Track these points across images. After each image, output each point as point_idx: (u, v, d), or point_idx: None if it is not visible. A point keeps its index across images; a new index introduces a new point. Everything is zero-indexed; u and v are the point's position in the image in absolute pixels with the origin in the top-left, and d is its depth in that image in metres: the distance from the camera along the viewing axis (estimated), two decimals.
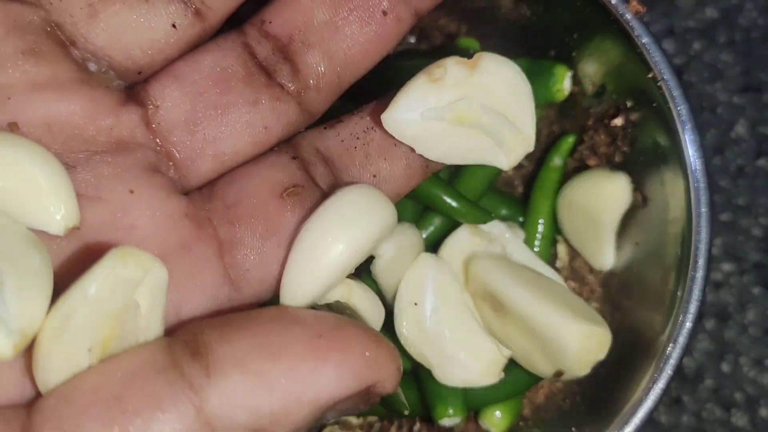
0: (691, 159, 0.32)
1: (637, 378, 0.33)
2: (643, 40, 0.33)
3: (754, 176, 0.46)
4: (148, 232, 0.25)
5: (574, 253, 0.39)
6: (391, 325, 0.36)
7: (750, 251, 0.45)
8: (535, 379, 0.37)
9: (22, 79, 0.25)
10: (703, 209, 0.32)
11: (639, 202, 0.36)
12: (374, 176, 0.29)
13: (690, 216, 0.32)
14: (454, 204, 0.36)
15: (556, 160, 0.39)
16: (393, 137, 0.29)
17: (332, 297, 0.30)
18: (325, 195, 0.28)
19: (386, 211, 0.28)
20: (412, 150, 0.29)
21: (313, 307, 0.29)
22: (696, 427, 0.45)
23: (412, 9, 0.28)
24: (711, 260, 0.32)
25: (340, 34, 0.28)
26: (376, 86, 0.30)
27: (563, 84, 0.36)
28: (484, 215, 0.36)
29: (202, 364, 0.21)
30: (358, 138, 0.29)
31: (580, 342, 0.31)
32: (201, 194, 0.28)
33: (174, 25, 0.27)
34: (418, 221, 0.37)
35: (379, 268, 0.34)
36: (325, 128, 0.30)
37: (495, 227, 0.37)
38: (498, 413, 0.38)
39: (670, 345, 0.32)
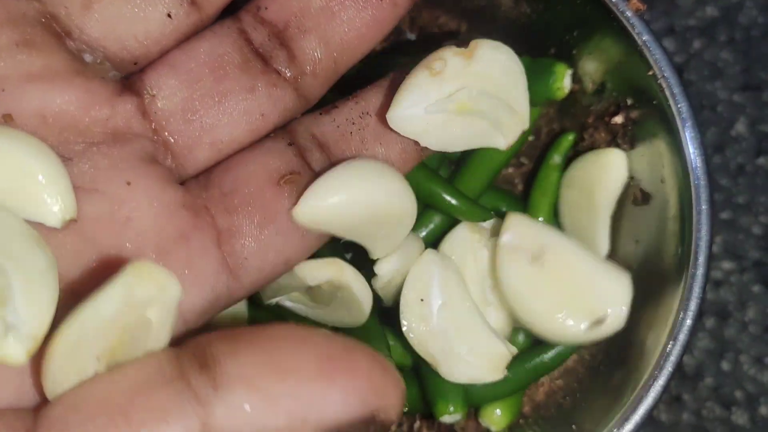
0: (692, 156, 0.32)
1: (637, 375, 0.33)
2: (644, 38, 0.33)
3: (754, 174, 0.46)
4: (146, 223, 0.25)
5: None
6: (392, 322, 0.36)
7: (750, 249, 0.45)
8: (535, 377, 0.37)
9: (17, 70, 0.25)
10: (704, 206, 0.32)
11: (639, 199, 0.36)
12: None
13: (690, 213, 0.32)
14: (454, 202, 0.36)
15: (556, 158, 0.39)
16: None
17: (323, 277, 0.31)
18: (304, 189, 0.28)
19: (395, 183, 0.29)
20: None
21: (311, 292, 0.30)
22: (696, 425, 0.45)
23: None
24: (711, 258, 0.32)
25: (336, 19, 0.28)
26: (373, 81, 0.30)
27: (563, 82, 0.36)
28: (484, 213, 0.36)
29: (210, 376, 0.21)
30: (353, 123, 0.29)
31: (625, 286, 0.33)
32: (198, 182, 0.28)
33: (169, 15, 0.27)
34: (418, 220, 0.37)
35: (379, 284, 0.34)
36: (320, 114, 0.30)
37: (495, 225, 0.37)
38: (498, 411, 0.38)
39: (671, 342, 0.32)
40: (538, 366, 0.37)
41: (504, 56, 0.30)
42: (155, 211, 0.26)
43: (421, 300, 0.33)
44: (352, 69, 0.30)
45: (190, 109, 0.27)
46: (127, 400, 0.21)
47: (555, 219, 0.39)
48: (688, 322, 0.32)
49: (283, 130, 0.29)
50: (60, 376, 0.22)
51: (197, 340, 0.22)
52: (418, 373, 0.37)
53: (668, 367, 0.32)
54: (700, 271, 0.32)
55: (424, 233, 0.37)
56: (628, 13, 0.33)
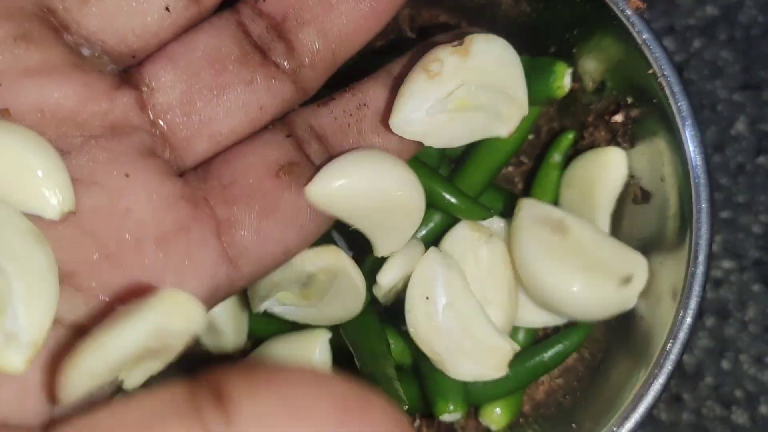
0: (692, 155, 0.32)
1: (637, 374, 0.33)
2: (644, 36, 0.33)
3: (754, 174, 0.46)
4: (145, 214, 0.25)
5: None
6: (392, 321, 0.37)
7: (750, 248, 0.45)
8: (535, 375, 0.38)
9: (14, 64, 0.25)
10: (704, 205, 0.32)
11: (639, 198, 0.36)
12: None
13: (690, 212, 0.32)
14: (453, 201, 0.36)
15: (556, 157, 0.39)
16: (385, 112, 0.29)
17: (321, 263, 0.31)
18: (304, 181, 0.28)
19: (408, 176, 0.29)
20: None
21: (303, 289, 0.29)
22: (696, 424, 0.45)
23: None
24: (711, 257, 0.32)
25: (334, 11, 0.28)
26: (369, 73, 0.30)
27: (563, 81, 0.36)
28: (484, 212, 0.36)
29: (224, 414, 0.20)
30: (351, 115, 0.29)
31: (639, 253, 0.35)
32: (196, 174, 0.28)
33: (168, 8, 0.27)
34: None
35: (380, 292, 0.34)
36: (318, 106, 0.30)
37: (495, 223, 0.37)
38: (498, 410, 0.38)
39: (670, 341, 0.32)
40: (538, 365, 0.37)
41: (498, 47, 0.31)
42: (154, 202, 0.26)
43: (427, 298, 0.33)
44: (349, 62, 0.30)
45: (189, 102, 0.27)
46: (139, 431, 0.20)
47: None
48: (688, 320, 0.32)
49: (281, 122, 0.29)
50: (75, 386, 0.22)
51: (213, 376, 0.22)
52: (418, 372, 0.37)
53: (668, 366, 0.32)
54: (700, 270, 0.32)
55: (424, 232, 0.37)
56: (628, 12, 0.33)
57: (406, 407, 0.33)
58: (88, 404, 0.23)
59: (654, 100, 0.33)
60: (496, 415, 0.38)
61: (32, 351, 0.22)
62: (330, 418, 0.20)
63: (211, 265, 0.26)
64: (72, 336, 0.23)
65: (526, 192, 0.40)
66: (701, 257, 0.32)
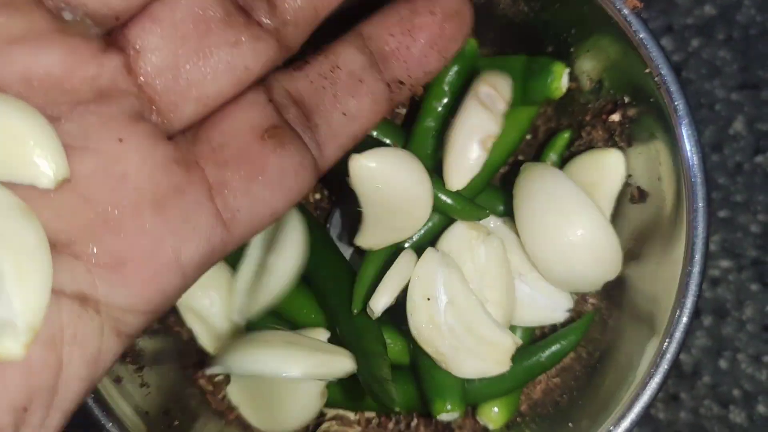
0: (689, 154, 0.32)
1: (634, 374, 0.33)
2: (641, 36, 0.33)
3: (752, 173, 0.46)
4: (141, 179, 0.25)
5: None
6: (389, 321, 0.37)
7: (748, 248, 0.46)
8: (533, 375, 0.38)
9: None
10: (701, 204, 0.32)
11: (636, 197, 0.36)
12: (344, 114, 0.30)
13: (687, 211, 0.32)
14: (450, 201, 0.36)
15: (552, 157, 0.39)
16: (358, 73, 0.30)
17: None
18: (298, 137, 0.29)
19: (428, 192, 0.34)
20: (376, 82, 0.30)
21: None
22: (694, 423, 0.45)
23: None
24: (709, 257, 0.32)
25: None
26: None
27: (561, 82, 0.37)
28: (480, 212, 0.36)
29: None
30: (325, 78, 0.30)
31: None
32: (185, 137, 0.28)
33: None
34: None
35: (374, 316, 0.35)
36: (293, 70, 0.30)
37: (492, 222, 0.37)
38: (495, 409, 0.38)
39: (667, 340, 0.32)
40: (536, 364, 0.37)
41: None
42: (149, 166, 0.26)
43: (428, 299, 0.33)
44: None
45: (175, 65, 0.27)
46: None
47: None
48: (685, 320, 0.32)
49: (262, 85, 0.29)
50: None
51: None
52: (416, 371, 0.37)
53: (664, 365, 0.32)
54: (697, 269, 0.32)
55: (422, 232, 0.37)
56: (625, 11, 0.33)
57: (397, 408, 0.33)
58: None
59: (651, 100, 0.33)
60: (493, 414, 0.38)
61: (30, 335, 0.21)
62: None
63: (207, 228, 0.26)
64: (78, 306, 0.23)
65: None
66: (698, 256, 0.32)
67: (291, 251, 0.37)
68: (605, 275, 0.35)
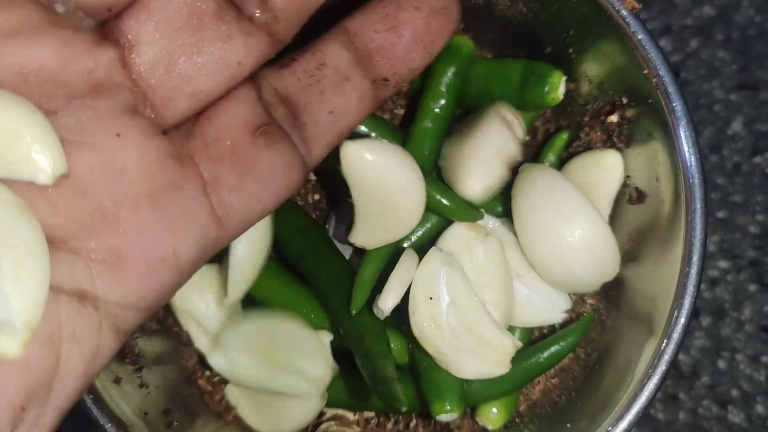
0: (687, 155, 0.32)
1: (632, 374, 0.33)
2: (639, 37, 0.33)
3: (750, 173, 0.46)
4: (138, 174, 0.25)
5: None
6: (393, 320, 0.37)
7: (746, 248, 0.46)
8: (532, 376, 0.38)
9: None
10: (698, 205, 0.32)
11: (634, 198, 0.36)
12: (331, 112, 0.30)
13: (685, 212, 0.32)
14: (445, 202, 0.36)
15: (551, 157, 0.39)
16: (344, 71, 0.30)
17: None
18: (287, 136, 0.29)
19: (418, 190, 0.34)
20: (362, 80, 0.30)
21: None
22: (692, 423, 0.45)
23: None
24: (707, 257, 0.32)
25: None
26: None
27: (557, 92, 0.37)
28: (474, 213, 0.36)
29: None
30: (312, 75, 0.30)
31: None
32: (179, 133, 0.28)
33: None
34: None
35: (381, 316, 0.35)
36: (281, 68, 0.30)
37: (491, 223, 0.37)
38: (494, 409, 0.38)
39: (665, 341, 0.32)
40: (535, 365, 0.37)
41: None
42: (146, 161, 0.26)
43: (430, 299, 0.34)
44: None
45: (169, 59, 0.27)
46: None
47: None
48: (682, 321, 0.32)
49: (252, 82, 0.29)
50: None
51: None
52: (415, 372, 0.37)
53: (662, 366, 0.32)
54: (694, 270, 0.32)
55: (420, 232, 0.37)
56: (624, 12, 0.33)
57: (404, 409, 0.33)
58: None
59: (649, 101, 0.33)
60: (492, 414, 0.38)
61: (28, 333, 0.21)
62: None
63: (203, 224, 0.26)
64: (77, 303, 0.23)
65: None
66: (695, 257, 0.32)
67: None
68: (603, 276, 0.35)
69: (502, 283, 0.36)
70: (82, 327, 0.23)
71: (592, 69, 0.37)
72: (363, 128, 0.37)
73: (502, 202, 0.39)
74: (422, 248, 0.35)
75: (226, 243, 0.28)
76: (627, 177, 0.37)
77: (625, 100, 0.36)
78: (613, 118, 0.36)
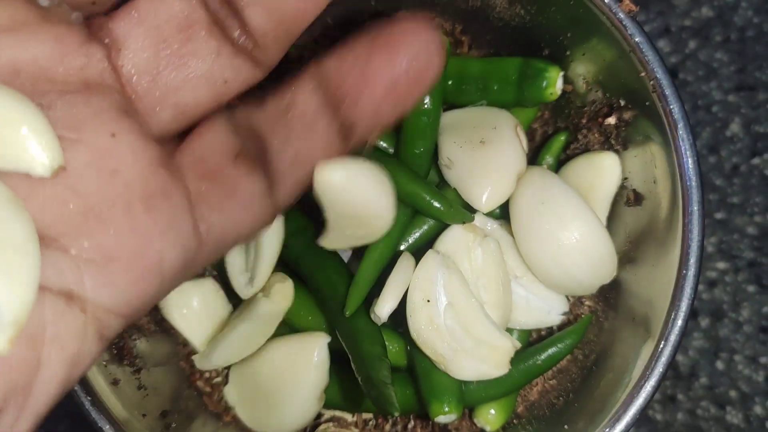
0: (684, 157, 0.32)
1: (629, 376, 0.33)
2: (636, 39, 0.33)
3: (748, 175, 0.46)
4: (132, 176, 0.25)
5: None
6: (391, 322, 0.37)
7: (744, 249, 0.46)
8: (530, 377, 0.38)
9: None
10: (695, 207, 0.32)
11: (632, 200, 0.36)
12: (295, 155, 0.29)
13: (682, 214, 0.32)
14: (436, 204, 0.36)
15: (548, 160, 0.39)
16: (310, 116, 0.28)
17: None
18: (260, 169, 0.28)
19: (386, 201, 0.32)
20: (328, 127, 0.28)
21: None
22: (691, 424, 0.45)
23: None
24: (706, 258, 0.32)
25: None
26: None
27: (555, 87, 0.37)
28: (464, 215, 0.36)
29: None
30: (280, 116, 0.29)
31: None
32: (170, 143, 0.27)
33: None
34: (411, 220, 0.37)
35: (379, 322, 0.35)
36: (253, 106, 0.29)
37: (489, 225, 0.37)
38: (492, 411, 0.38)
39: (662, 343, 0.32)
40: (533, 367, 0.37)
41: None
42: (140, 165, 0.25)
43: (428, 301, 0.34)
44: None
45: (157, 68, 0.26)
46: None
47: None
48: (680, 322, 0.32)
49: (228, 113, 0.29)
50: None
51: None
52: (413, 373, 0.37)
53: (659, 368, 0.32)
54: (692, 272, 0.32)
55: (417, 234, 0.37)
56: (621, 15, 0.33)
57: (396, 413, 0.33)
58: None
59: (646, 103, 0.33)
60: (490, 416, 0.38)
61: (16, 330, 0.21)
62: None
63: (187, 236, 0.26)
64: (63, 303, 0.23)
65: None
66: (692, 260, 0.32)
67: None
68: (601, 279, 0.35)
69: (501, 284, 0.36)
70: (66, 329, 0.23)
71: (590, 71, 0.37)
72: None
73: (500, 204, 0.39)
74: (420, 251, 0.35)
75: (200, 264, 0.27)
76: (624, 179, 0.37)
77: (622, 103, 0.36)
78: (611, 120, 0.36)
